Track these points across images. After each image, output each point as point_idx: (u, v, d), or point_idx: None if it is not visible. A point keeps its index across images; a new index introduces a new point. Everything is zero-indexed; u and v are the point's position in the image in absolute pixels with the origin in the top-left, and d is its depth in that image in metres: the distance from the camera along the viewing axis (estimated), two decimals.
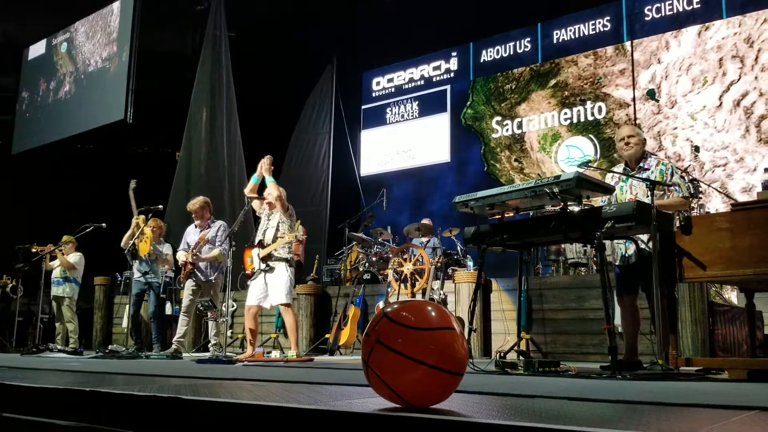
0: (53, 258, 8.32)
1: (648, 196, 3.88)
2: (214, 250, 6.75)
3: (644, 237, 4.23)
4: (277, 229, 5.99)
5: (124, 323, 8.49)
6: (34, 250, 8.04)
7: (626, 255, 4.43)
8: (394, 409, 1.73)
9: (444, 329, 1.84)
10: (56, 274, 8.37)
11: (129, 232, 7.12)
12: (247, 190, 6.34)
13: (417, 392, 1.80)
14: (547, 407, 1.95)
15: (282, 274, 5.92)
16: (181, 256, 6.86)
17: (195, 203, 6.94)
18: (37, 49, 13.87)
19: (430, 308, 1.91)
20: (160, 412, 2.01)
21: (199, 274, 6.77)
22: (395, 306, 1.91)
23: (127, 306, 7.65)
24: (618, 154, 4.54)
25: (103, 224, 7.51)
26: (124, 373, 3.58)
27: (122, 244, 7.17)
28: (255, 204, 6.32)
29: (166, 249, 7.64)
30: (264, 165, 6.16)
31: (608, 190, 4.10)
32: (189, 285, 6.79)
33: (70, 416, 2.17)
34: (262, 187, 6.34)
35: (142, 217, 7.02)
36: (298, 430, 1.71)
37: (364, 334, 1.88)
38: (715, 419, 1.64)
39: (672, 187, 4.23)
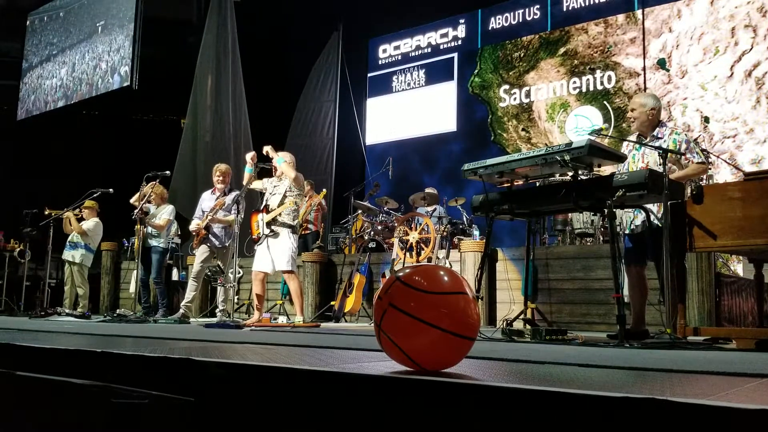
0: (80, 219, 8.29)
1: (660, 165, 3.84)
2: (229, 215, 6.73)
3: (654, 207, 4.20)
4: (284, 197, 5.98)
5: (132, 288, 8.52)
6: (47, 213, 7.98)
7: (635, 224, 4.41)
8: (405, 372, 1.73)
9: (457, 294, 1.83)
10: (71, 238, 8.32)
11: (138, 195, 7.18)
12: (243, 182, 6.31)
13: (429, 356, 1.80)
14: (558, 373, 1.95)
15: (285, 241, 5.92)
16: (194, 224, 6.87)
17: (224, 167, 6.97)
18: (42, 19, 13.76)
19: (443, 273, 1.89)
20: (172, 373, 2.02)
21: (214, 240, 6.77)
22: (408, 270, 1.89)
23: (135, 271, 7.68)
24: (637, 124, 4.42)
25: (111, 189, 7.51)
26: (134, 336, 3.60)
27: (132, 200, 7.27)
28: (256, 187, 6.31)
29: (165, 212, 7.60)
30: (250, 160, 6.16)
31: (620, 158, 4.06)
32: (202, 250, 6.78)
33: (83, 376, 2.18)
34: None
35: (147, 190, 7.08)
36: (310, 392, 1.71)
37: (377, 297, 1.87)
38: (728, 386, 1.63)
39: (689, 155, 4.18)
